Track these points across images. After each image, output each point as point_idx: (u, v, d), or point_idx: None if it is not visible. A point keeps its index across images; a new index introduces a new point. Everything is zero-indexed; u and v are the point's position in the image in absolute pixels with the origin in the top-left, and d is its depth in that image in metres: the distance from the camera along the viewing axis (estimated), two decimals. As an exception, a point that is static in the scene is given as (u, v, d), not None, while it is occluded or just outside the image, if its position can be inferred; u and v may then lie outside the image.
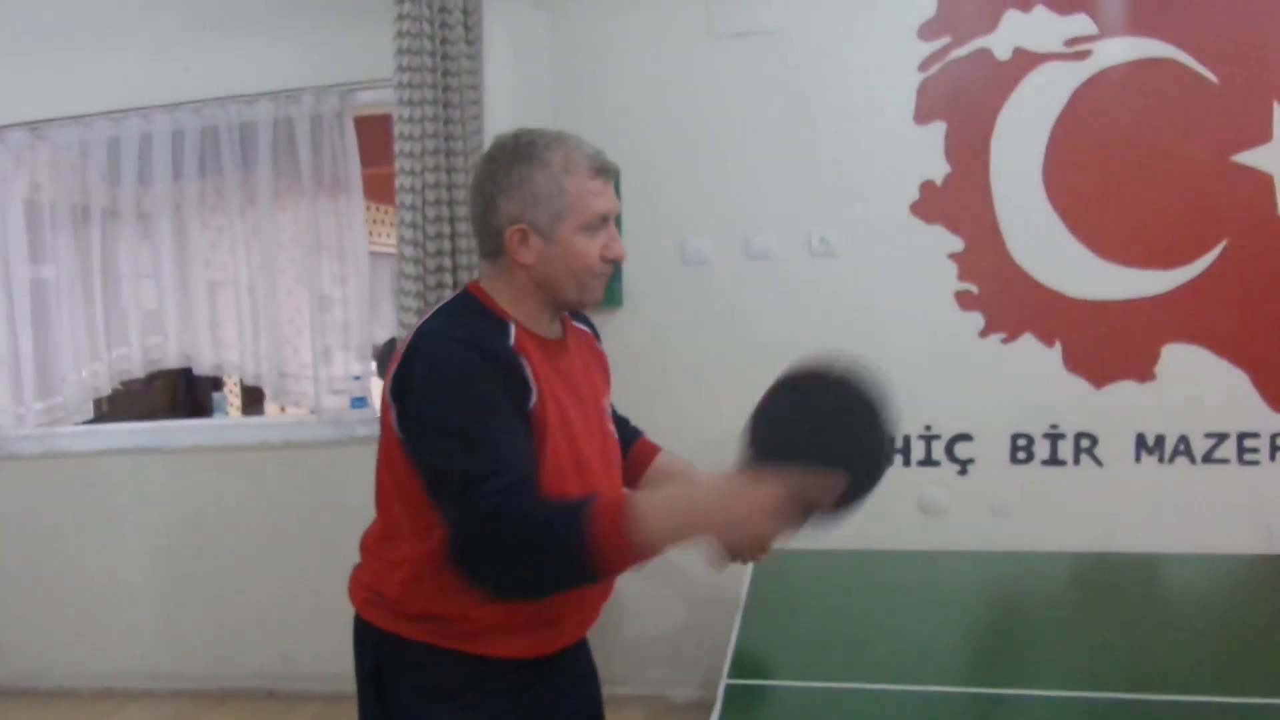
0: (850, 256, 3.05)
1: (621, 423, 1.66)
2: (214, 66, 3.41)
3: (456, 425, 1.19)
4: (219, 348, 3.58)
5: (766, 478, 1.14)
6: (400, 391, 1.25)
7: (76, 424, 3.74)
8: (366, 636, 1.38)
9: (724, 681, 1.51)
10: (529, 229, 1.30)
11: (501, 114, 3.12)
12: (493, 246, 1.34)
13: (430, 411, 1.22)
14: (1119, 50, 2.93)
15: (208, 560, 3.54)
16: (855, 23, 3.04)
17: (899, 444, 3.03)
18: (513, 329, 1.31)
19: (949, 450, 3.02)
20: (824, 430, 1.19)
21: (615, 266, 3.01)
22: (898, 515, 2.98)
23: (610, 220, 1.35)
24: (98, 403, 3.84)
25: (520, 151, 1.31)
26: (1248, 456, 2.87)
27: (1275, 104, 2.87)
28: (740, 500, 1.14)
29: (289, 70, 3.37)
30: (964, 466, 3.02)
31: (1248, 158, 2.89)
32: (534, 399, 1.26)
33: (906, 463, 3.04)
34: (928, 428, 3.03)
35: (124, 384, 4.00)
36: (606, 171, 1.34)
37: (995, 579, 2.28)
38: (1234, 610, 1.98)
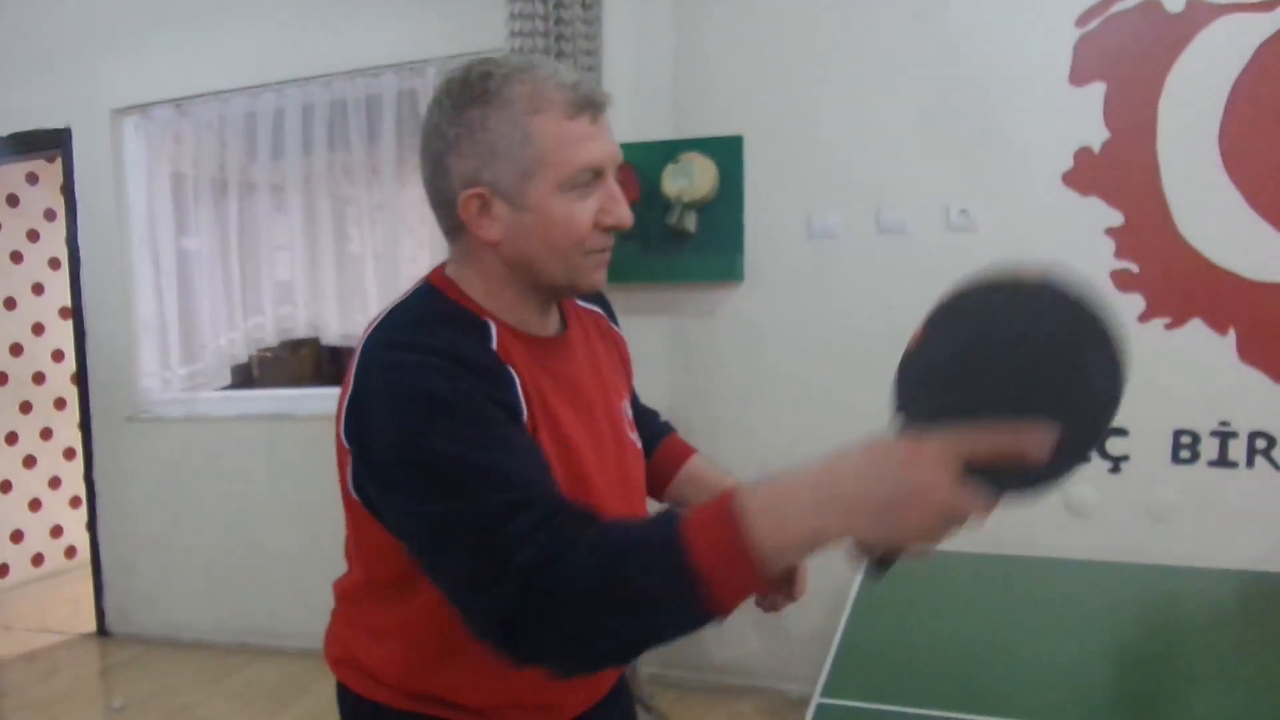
0: (993, 231, 2.81)
1: (647, 417, 1.35)
2: (341, 41, 3.45)
3: (447, 459, 0.87)
4: (346, 318, 3.65)
5: (931, 440, 0.76)
6: (356, 429, 0.94)
7: (216, 389, 3.90)
8: (344, 702, 1.14)
9: (815, 700, 1.37)
10: (489, 193, 0.96)
11: (620, 84, 3.03)
12: (449, 221, 1.01)
13: (406, 451, 0.88)
14: (1315, -1, 2.57)
15: (336, 524, 3.62)
16: (1008, -25, 2.78)
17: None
18: (493, 329, 1.00)
19: (1101, 444, 2.75)
20: (1013, 366, 0.81)
21: (730, 238, 2.72)
22: (1037, 514, 2.74)
23: (607, 174, 0.99)
24: (246, 368, 3.99)
25: (471, 89, 0.96)
26: None
27: None
28: (902, 474, 0.75)
29: (413, 43, 3.37)
30: (1117, 464, 2.74)
31: None
32: (522, 417, 0.97)
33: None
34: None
35: (271, 351, 4.15)
36: (594, 106, 0.97)
37: (1148, 595, 2.05)
38: None
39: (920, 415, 0.82)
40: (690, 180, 2.94)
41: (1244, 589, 2.10)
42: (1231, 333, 2.65)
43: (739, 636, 3.12)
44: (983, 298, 0.85)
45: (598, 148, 0.97)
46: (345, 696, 1.13)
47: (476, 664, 0.96)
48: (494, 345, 0.98)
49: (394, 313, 1.01)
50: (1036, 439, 0.76)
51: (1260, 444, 2.63)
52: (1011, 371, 0.80)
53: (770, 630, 3.10)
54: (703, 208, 2.98)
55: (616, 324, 1.27)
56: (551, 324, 1.09)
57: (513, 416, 0.95)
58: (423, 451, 0.87)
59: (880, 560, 0.82)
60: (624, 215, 1.00)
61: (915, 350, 0.86)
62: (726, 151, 2.99)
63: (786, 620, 3.06)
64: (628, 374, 1.25)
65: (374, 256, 3.57)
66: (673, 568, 0.77)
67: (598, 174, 0.98)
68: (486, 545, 0.83)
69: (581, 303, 1.20)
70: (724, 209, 2.99)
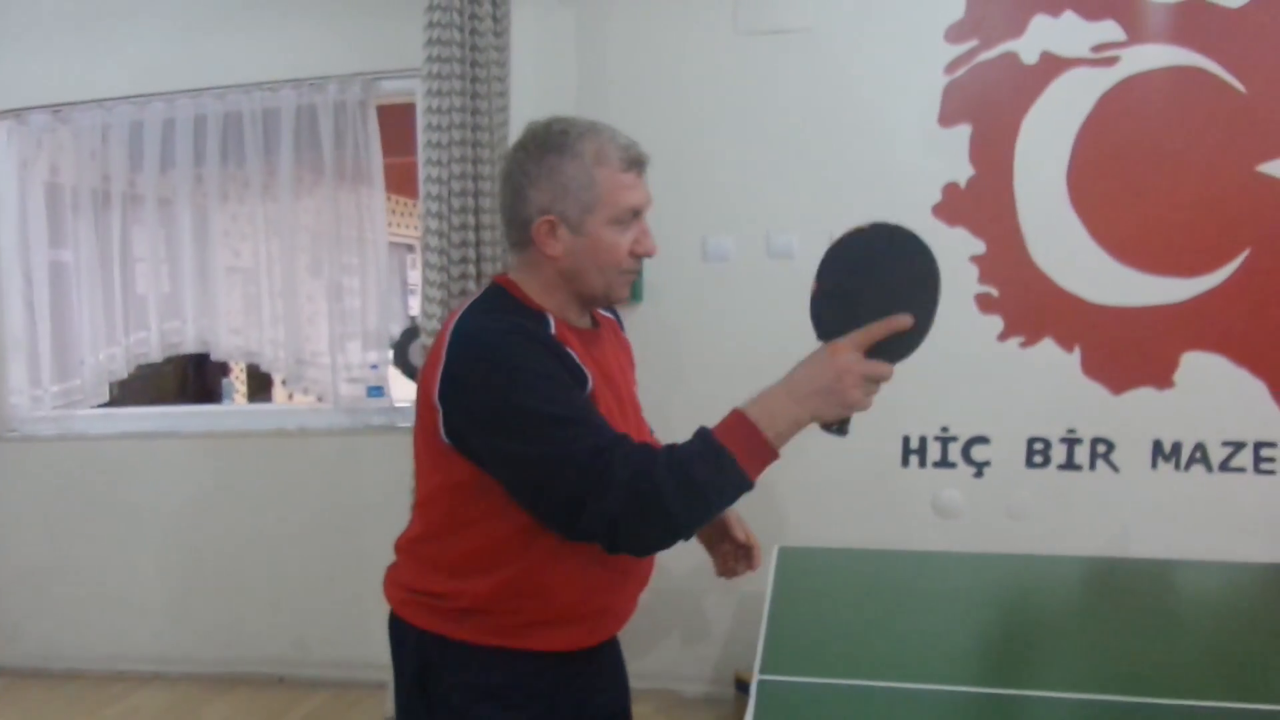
0: (871, 257, 3.05)
1: None
2: (239, 52, 3.42)
3: (543, 412, 1.16)
4: (236, 334, 3.59)
5: (837, 344, 1.19)
6: (452, 393, 1.22)
7: (92, 407, 3.75)
8: (406, 637, 1.36)
9: (756, 677, 1.52)
10: (557, 220, 1.28)
11: (527, 106, 3.13)
12: (520, 238, 1.32)
13: (506, 407, 1.17)
14: (1147, 57, 2.93)
15: (220, 545, 3.55)
16: (883, 24, 3.04)
17: (915, 448, 3.05)
18: (551, 320, 1.30)
19: (965, 452, 3.03)
20: (875, 283, 1.23)
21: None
22: (912, 517, 3.00)
23: (642, 215, 1.33)
24: (110, 386, 3.86)
25: (551, 140, 1.29)
26: (1264, 465, 2.88)
27: (1299, 115, 2.87)
28: (826, 368, 1.17)
29: (314, 58, 3.37)
30: (980, 469, 3.02)
31: (1273, 168, 2.90)
32: (590, 386, 1.26)
33: (922, 464, 3.05)
34: (944, 429, 3.04)
35: (136, 367, 4.02)
36: (640, 164, 1.32)
37: (1009, 581, 2.29)
38: (1245, 618, 1.99)
39: (832, 332, 1.22)
40: (593, 203, 3.07)
41: (1088, 573, 2.36)
42: (1077, 350, 2.98)
43: (638, 643, 3.23)
44: (844, 247, 1.27)
45: (641, 194, 1.32)
46: (407, 633, 1.35)
47: (541, 578, 1.27)
48: (553, 330, 1.28)
49: (474, 306, 1.31)
50: (901, 321, 1.19)
51: (1101, 449, 2.96)
52: (874, 287, 1.22)
53: (667, 636, 3.24)
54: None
55: (624, 331, 1.60)
56: (587, 322, 1.40)
57: (579, 383, 1.24)
58: (521, 408, 1.17)
59: (839, 426, 1.21)
60: (652, 246, 1.33)
61: (815, 294, 1.26)
62: (626, 176, 3.13)
63: (681, 626, 3.21)
64: (634, 369, 1.58)
65: (267, 272, 3.53)
66: (720, 462, 1.14)
67: (637, 214, 1.31)
68: (590, 471, 1.13)
69: (603, 312, 1.50)
70: (625, 231, 3.13)
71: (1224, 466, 2.90)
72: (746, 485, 1.17)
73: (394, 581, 1.40)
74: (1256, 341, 2.90)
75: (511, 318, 1.26)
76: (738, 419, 1.18)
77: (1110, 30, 2.96)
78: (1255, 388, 2.89)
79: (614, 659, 1.51)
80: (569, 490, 1.14)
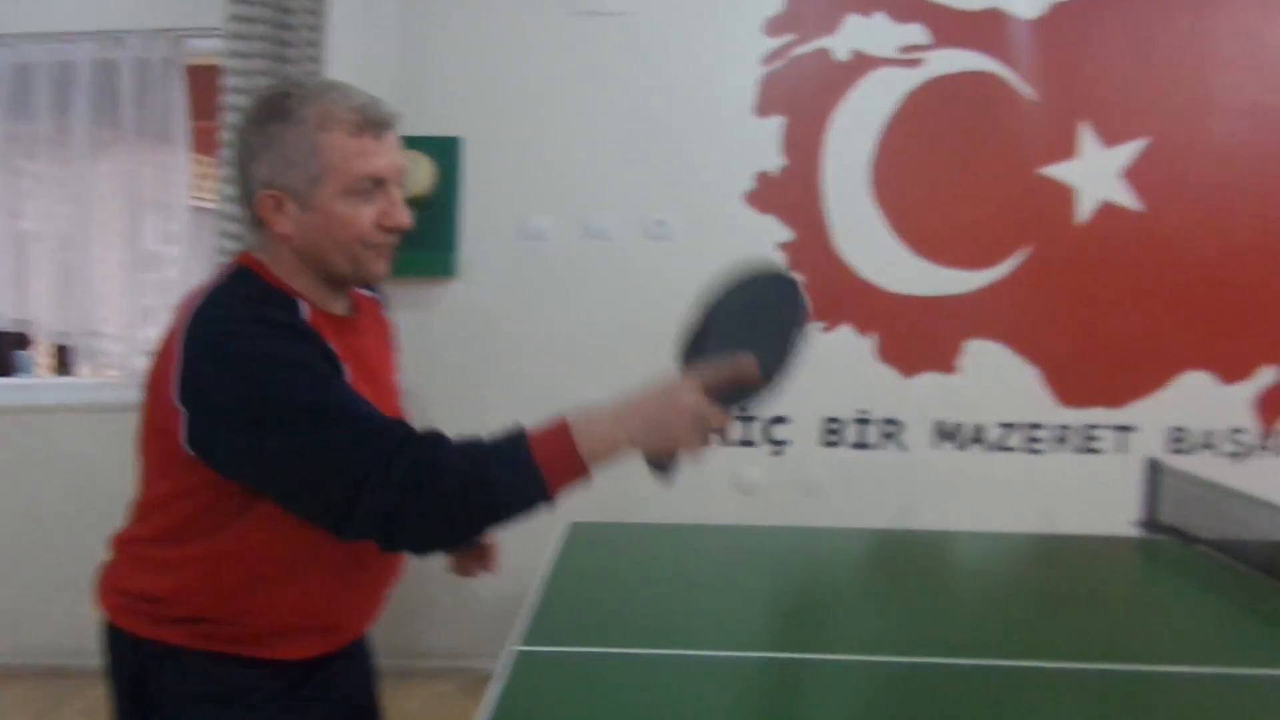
0: (686, 241, 3.13)
1: None
2: (28, 1, 3.18)
3: (302, 403, 1.06)
4: (23, 303, 3.35)
5: (685, 376, 1.13)
6: (195, 395, 1.09)
7: None
8: (121, 645, 1.23)
9: (515, 648, 1.50)
10: (282, 195, 1.14)
11: (343, 76, 3.04)
12: (251, 215, 1.19)
13: (260, 401, 1.06)
14: (948, 61, 3.11)
15: (62, 524, 3.30)
16: (704, 13, 3.11)
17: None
18: (302, 306, 1.17)
19: (767, 432, 3.15)
20: (733, 323, 1.21)
21: (445, 235, 2.94)
22: (714, 493, 3.09)
23: (389, 183, 1.18)
24: None
25: (274, 107, 1.15)
26: (1034, 445, 3.12)
27: (1083, 121, 3.11)
28: (662, 398, 1.09)
29: (116, 10, 3.17)
30: (779, 448, 3.15)
31: (1053, 171, 3.12)
32: (346, 376, 1.15)
33: (724, 443, 3.13)
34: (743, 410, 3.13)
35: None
36: (379, 126, 1.16)
37: (803, 553, 2.38)
38: (1015, 582, 2.14)
39: (690, 358, 1.20)
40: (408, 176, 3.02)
41: (877, 545, 2.48)
42: (873, 336, 3.14)
43: (436, 621, 3.18)
44: (717, 288, 1.26)
45: (381, 160, 1.16)
46: (122, 641, 1.22)
47: (273, 590, 1.18)
48: (306, 318, 1.16)
49: (216, 291, 1.17)
50: (748, 368, 1.12)
51: (890, 429, 3.14)
52: (731, 329, 1.20)
53: (464, 612, 3.22)
54: (420, 205, 3.07)
55: (387, 310, 1.44)
56: (344, 306, 1.26)
57: (337, 372, 1.14)
58: (277, 402, 1.06)
59: (663, 465, 1.14)
60: (401, 218, 1.19)
61: (694, 320, 1.25)
62: (445, 151, 3.09)
63: (479, 600, 3.20)
64: (397, 354, 1.44)
65: (57, 235, 3.30)
66: (521, 464, 1.05)
67: (379, 182, 1.16)
68: (360, 463, 1.04)
69: (364, 291, 1.35)
70: (440, 207, 3.10)
71: (999, 446, 3.12)
72: (545, 499, 1.07)
73: (109, 586, 1.26)
74: (1033, 331, 3.13)
75: (256, 307, 1.14)
76: (558, 428, 1.08)
77: (917, 33, 3.12)
78: (1030, 374, 3.12)
79: (359, 655, 1.42)
80: (338, 485, 1.04)
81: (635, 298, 3.12)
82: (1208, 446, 3.15)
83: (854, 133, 3.12)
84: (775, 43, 3.12)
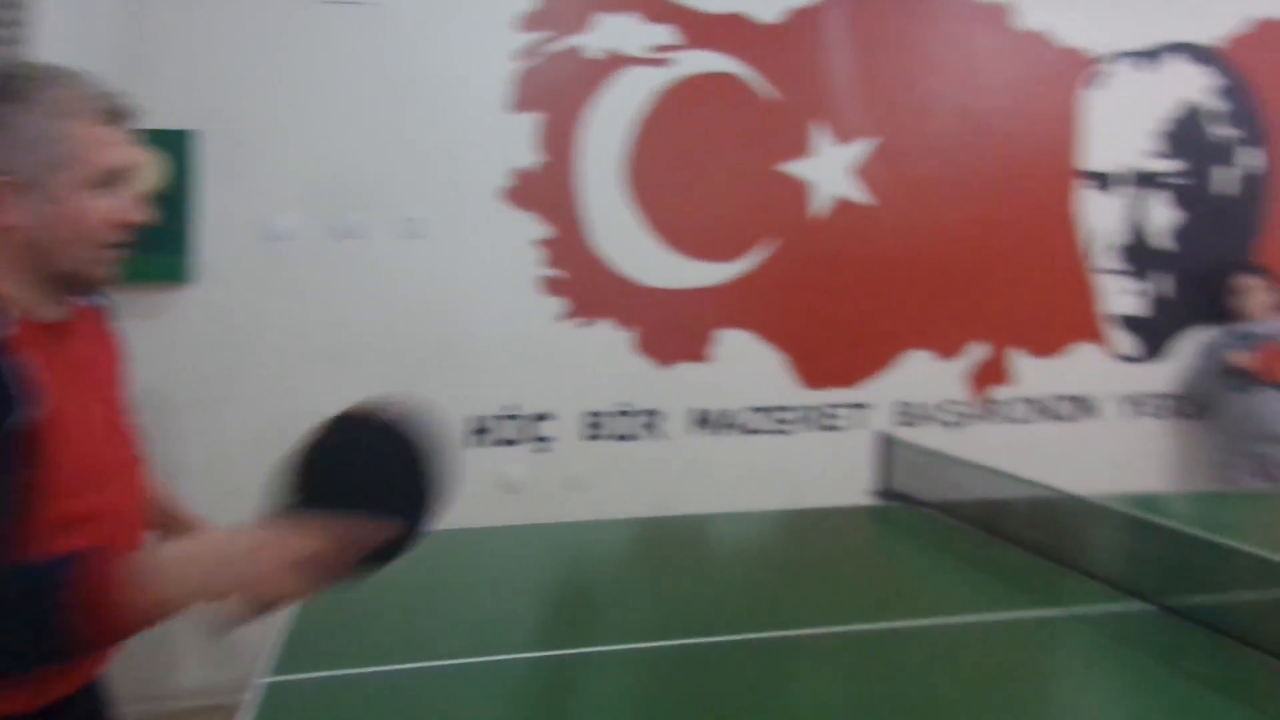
0: (441, 239, 3.07)
1: None
2: None
3: None
4: None
5: (303, 527, 1.00)
6: None
7: None
8: None
9: (264, 680, 1.43)
10: (17, 182, 1.06)
11: (53, 58, 2.73)
12: None
13: None
14: (698, 62, 3.24)
15: None
16: (455, 6, 3.06)
17: (479, 427, 3.11)
18: (8, 314, 1.05)
19: (530, 429, 3.17)
20: (370, 476, 1.08)
21: (177, 237, 2.70)
22: (477, 494, 3.05)
23: (128, 177, 1.12)
24: None
25: (7, 88, 1.07)
26: (781, 426, 3.34)
27: (817, 121, 3.33)
28: (274, 553, 0.98)
29: None
30: (543, 444, 3.18)
31: (792, 168, 3.33)
32: (27, 410, 1.02)
33: (487, 442, 3.15)
34: (506, 408, 3.15)
35: None
36: (121, 117, 1.11)
37: (569, 548, 2.40)
38: (767, 558, 2.27)
39: (300, 500, 1.05)
40: (130, 173, 2.76)
41: (641, 533, 2.56)
42: (632, 330, 3.23)
43: (183, 657, 2.98)
44: (354, 420, 1.11)
45: (123, 153, 1.11)
46: None
47: None
48: (10, 332, 1.03)
49: None
50: (372, 534, 1.03)
51: (650, 420, 3.26)
52: (365, 477, 1.08)
53: (224, 649, 3.03)
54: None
55: (112, 321, 1.32)
56: (63, 312, 1.15)
57: (7, 410, 0.99)
58: None
59: (255, 611, 1.01)
60: (139, 214, 1.13)
61: (304, 449, 1.08)
62: (175, 146, 2.85)
63: (239, 637, 3.02)
64: (124, 367, 1.33)
65: None
66: (48, 607, 0.91)
67: (119, 176, 1.11)
68: None
69: (86, 300, 1.23)
70: (172, 207, 2.84)
71: (750, 429, 3.32)
72: (68, 650, 0.95)
73: None
74: (778, 319, 3.34)
75: None
76: (116, 564, 0.94)
77: (668, 34, 3.23)
78: (777, 360, 3.33)
79: (93, 703, 1.28)
80: None
81: (389, 299, 3.03)
82: (930, 418, 3.50)
83: (609, 130, 3.19)
84: (530, 38, 3.13)
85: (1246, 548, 1.54)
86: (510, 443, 3.15)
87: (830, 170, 3.36)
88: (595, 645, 1.60)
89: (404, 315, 3.01)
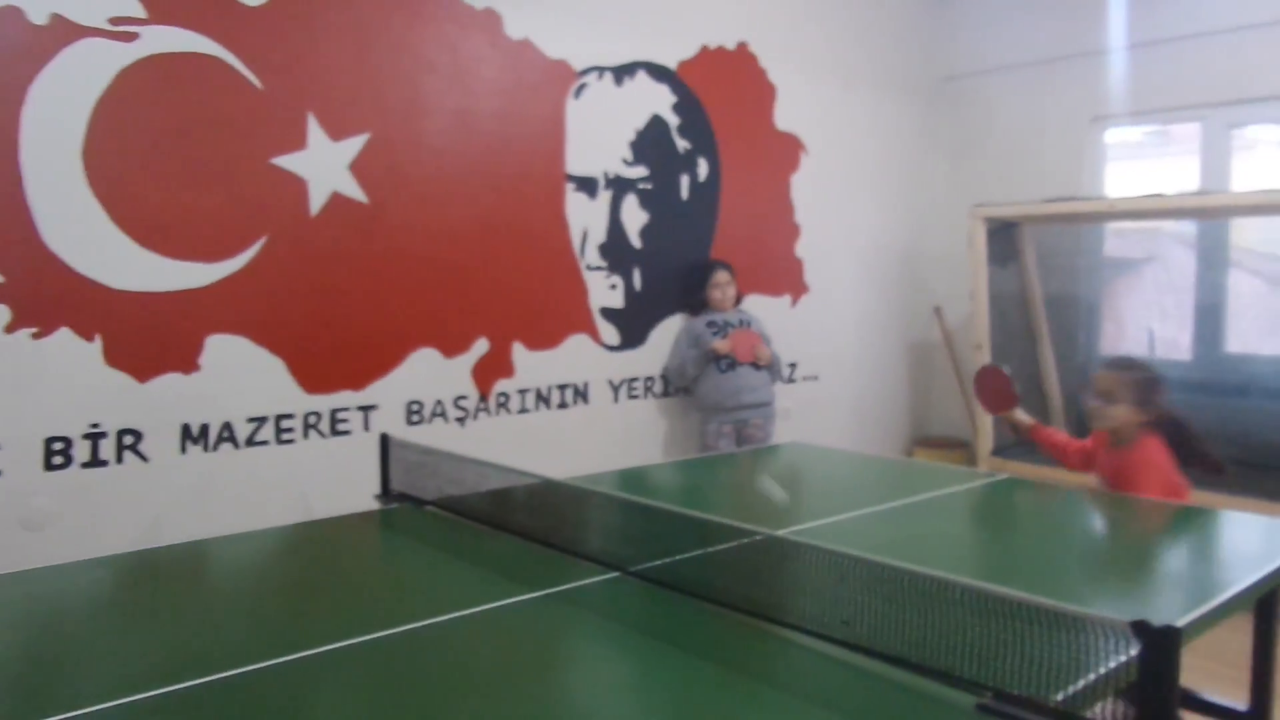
0: None
1: None
2: None
3: None
4: None
5: None
6: None
7: None
8: None
9: None
10: None
11: None
12: None
13: None
14: (168, 40, 2.93)
15: None
16: None
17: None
18: None
19: (-32, 463, 2.64)
20: None
21: None
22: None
23: None
24: None
25: None
26: (284, 436, 3.18)
27: (309, 114, 3.20)
28: None
29: None
30: (-12, 479, 2.67)
31: (285, 162, 3.17)
32: None
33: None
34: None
35: None
36: None
37: (27, 602, 2.06)
38: (272, 578, 2.13)
39: None
40: None
41: (123, 570, 2.27)
42: (98, 339, 2.83)
43: None
44: None
45: None
46: None
47: None
48: None
49: None
50: None
51: (128, 440, 2.89)
52: None
53: None
54: None
55: None
56: None
57: None
58: None
59: None
60: None
61: None
62: None
63: None
64: None
65: None
66: None
67: None
68: None
69: None
70: None
71: (250, 442, 3.11)
72: None
73: None
74: (275, 322, 3.16)
75: None
76: None
77: (130, 5, 2.87)
78: (275, 365, 3.16)
79: None
80: None
81: None
82: (439, 415, 3.59)
83: (59, 110, 2.75)
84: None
85: (688, 511, 1.83)
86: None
87: (325, 165, 3.26)
88: (64, 713, 1.40)
89: None
